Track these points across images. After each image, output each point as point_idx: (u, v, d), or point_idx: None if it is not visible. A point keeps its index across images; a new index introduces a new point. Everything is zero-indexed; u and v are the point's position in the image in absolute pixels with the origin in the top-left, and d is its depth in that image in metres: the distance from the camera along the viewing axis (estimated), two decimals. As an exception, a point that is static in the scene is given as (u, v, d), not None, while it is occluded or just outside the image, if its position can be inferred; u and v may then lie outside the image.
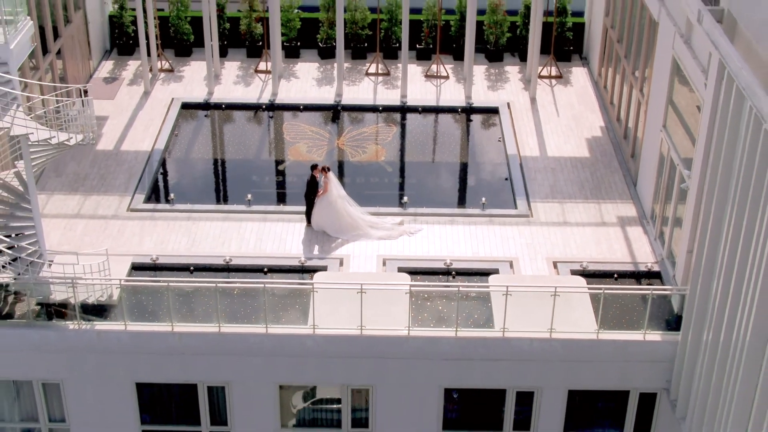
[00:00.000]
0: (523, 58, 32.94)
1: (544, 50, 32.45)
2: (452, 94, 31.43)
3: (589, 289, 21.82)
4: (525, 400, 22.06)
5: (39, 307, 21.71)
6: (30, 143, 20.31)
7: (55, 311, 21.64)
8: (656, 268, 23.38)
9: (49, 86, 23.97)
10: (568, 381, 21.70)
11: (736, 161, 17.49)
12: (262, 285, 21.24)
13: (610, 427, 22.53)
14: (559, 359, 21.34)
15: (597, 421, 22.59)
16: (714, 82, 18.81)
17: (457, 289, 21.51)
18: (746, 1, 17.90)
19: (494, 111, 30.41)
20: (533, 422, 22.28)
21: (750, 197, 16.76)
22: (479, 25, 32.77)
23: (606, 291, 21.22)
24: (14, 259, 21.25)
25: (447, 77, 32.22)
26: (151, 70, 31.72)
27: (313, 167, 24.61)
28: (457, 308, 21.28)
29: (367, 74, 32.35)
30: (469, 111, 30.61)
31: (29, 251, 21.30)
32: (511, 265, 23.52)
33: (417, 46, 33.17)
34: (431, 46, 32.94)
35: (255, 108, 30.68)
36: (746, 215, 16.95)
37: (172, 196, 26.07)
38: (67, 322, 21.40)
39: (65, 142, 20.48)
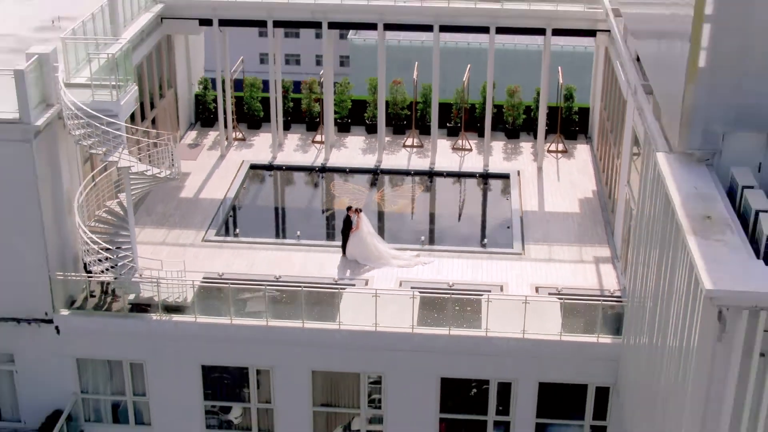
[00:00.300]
0: (537, 135, 39.26)
1: (554, 130, 38.79)
2: (473, 163, 37.82)
3: (550, 298, 27.85)
4: (505, 390, 27.89)
5: (130, 304, 28.32)
6: (131, 174, 27.19)
7: (142, 306, 28.24)
8: (618, 294, 29.22)
9: (146, 133, 30.93)
10: (538, 374, 27.51)
11: (646, 202, 23.49)
12: (300, 287, 27.66)
13: (574, 416, 28.17)
14: (530, 356, 27.21)
15: (563, 410, 28.21)
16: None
17: (449, 295, 27.67)
18: (655, 81, 24.16)
19: (506, 177, 36.69)
20: (512, 409, 28.05)
21: (651, 231, 22.71)
22: (500, 108, 39.34)
23: (565, 301, 27.23)
24: (114, 266, 27.90)
25: (470, 150, 38.65)
26: (227, 138, 38.67)
27: (348, 209, 31.10)
28: (449, 312, 27.41)
29: (404, 146, 38.95)
30: (485, 176, 36.94)
31: (126, 260, 27.95)
32: (501, 289, 29.55)
33: (447, 124, 39.72)
34: (458, 124, 39.46)
35: (310, 170, 37.40)
36: (650, 246, 22.90)
37: (237, 231, 32.79)
38: (151, 315, 27.95)
39: (157, 175, 27.33)
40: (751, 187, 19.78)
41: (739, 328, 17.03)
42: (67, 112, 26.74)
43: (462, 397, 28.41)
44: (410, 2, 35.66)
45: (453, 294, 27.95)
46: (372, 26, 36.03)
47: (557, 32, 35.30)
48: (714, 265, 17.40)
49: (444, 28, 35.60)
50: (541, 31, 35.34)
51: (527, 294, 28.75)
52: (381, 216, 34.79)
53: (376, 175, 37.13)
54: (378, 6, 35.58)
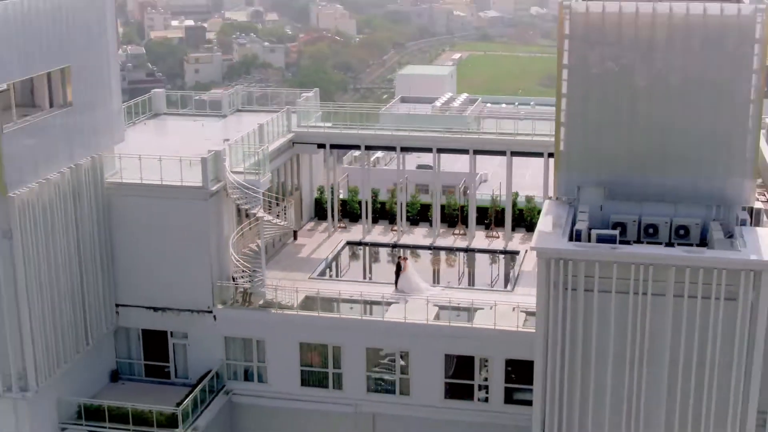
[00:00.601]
0: (546, 230, 56.33)
1: (558, 226, 55.79)
2: (498, 245, 55.14)
3: (512, 306, 44.75)
4: (485, 364, 44.59)
5: (261, 303, 46.61)
6: (264, 222, 45.90)
7: (266, 305, 46.42)
8: (564, 312, 45.78)
9: (272, 197, 49.57)
10: (505, 353, 44.14)
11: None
12: (360, 293, 45.49)
13: (528, 381, 44.43)
14: (500, 341, 43.96)
15: (522, 377, 44.56)
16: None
17: (448, 300, 44.99)
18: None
19: (516, 253, 53.89)
20: (489, 376, 44.64)
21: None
22: (521, 210, 56.82)
23: (520, 308, 44.12)
24: (251, 280, 46.27)
25: (498, 237, 56.03)
26: (333, 227, 57.11)
27: (399, 257, 48.91)
28: (449, 313, 44.68)
29: (453, 234, 56.66)
30: (503, 252, 54.21)
31: (259, 276, 46.32)
32: (491, 307, 46.41)
33: (484, 221, 57.26)
34: (491, 221, 56.97)
35: (387, 245, 55.41)
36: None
37: (332, 272, 50.95)
38: (271, 310, 46.10)
39: (278, 222, 45.99)
40: (584, 212, 36.92)
41: (555, 271, 34.10)
42: (230, 185, 45.76)
43: (459, 367, 45.22)
44: (455, 134, 54.06)
45: (451, 300, 45.28)
46: (429, 149, 54.45)
47: (551, 155, 52.71)
48: (541, 239, 34.67)
49: (476, 152, 53.67)
50: (540, 155, 52.95)
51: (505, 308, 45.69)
52: (434, 272, 52.40)
53: (431, 250, 54.86)
54: (433, 137, 54.09)
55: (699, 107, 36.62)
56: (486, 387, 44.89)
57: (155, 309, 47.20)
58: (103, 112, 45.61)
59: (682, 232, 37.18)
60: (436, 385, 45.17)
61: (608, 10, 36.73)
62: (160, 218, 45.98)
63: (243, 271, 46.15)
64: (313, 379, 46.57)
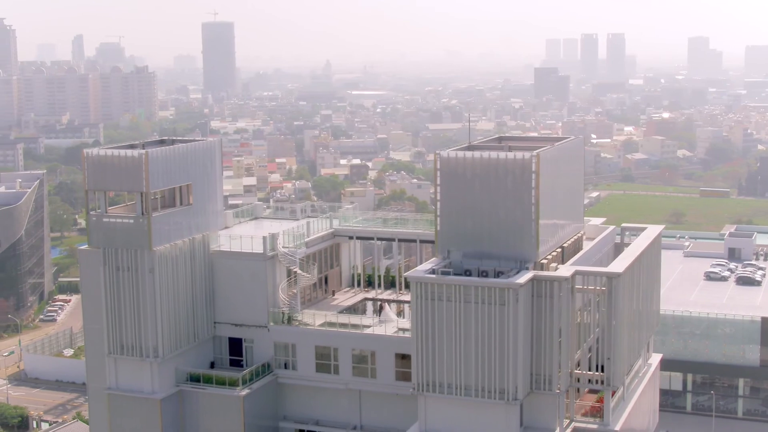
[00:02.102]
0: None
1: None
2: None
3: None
4: (417, 359, 76.36)
5: (295, 323, 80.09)
6: (298, 275, 79.67)
7: (298, 322, 79.85)
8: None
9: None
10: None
11: (445, 276, 72.95)
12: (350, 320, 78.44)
13: (441, 371, 75.90)
14: (424, 345, 75.85)
15: (437, 368, 76.02)
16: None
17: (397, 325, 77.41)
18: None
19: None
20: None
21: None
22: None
23: (436, 324, 76.10)
24: (293, 306, 79.79)
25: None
26: (360, 290, 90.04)
27: (381, 303, 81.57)
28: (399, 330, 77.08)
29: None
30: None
31: (294, 307, 79.78)
32: (429, 329, 78.30)
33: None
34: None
35: (385, 300, 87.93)
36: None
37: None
38: (300, 326, 79.49)
39: (306, 275, 79.74)
40: (446, 261, 69.18)
41: (417, 287, 66.61)
42: (280, 254, 79.78)
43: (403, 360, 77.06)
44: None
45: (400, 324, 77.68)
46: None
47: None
48: (413, 272, 67.34)
49: (401, 240, 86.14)
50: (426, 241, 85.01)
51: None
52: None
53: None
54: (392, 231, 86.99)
55: (509, 214, 68.82)
56: (418, 373, 76.47)
57: (236, 324, 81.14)
58: (210, 210, 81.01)
59: (501, 274, 68.79)
60: (391, 371, 77.00)
61: (459, 156, 69.70)
62: (240, 271, 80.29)
63: (286, 303, 79.81)
64: (322, 367, 79.06)
